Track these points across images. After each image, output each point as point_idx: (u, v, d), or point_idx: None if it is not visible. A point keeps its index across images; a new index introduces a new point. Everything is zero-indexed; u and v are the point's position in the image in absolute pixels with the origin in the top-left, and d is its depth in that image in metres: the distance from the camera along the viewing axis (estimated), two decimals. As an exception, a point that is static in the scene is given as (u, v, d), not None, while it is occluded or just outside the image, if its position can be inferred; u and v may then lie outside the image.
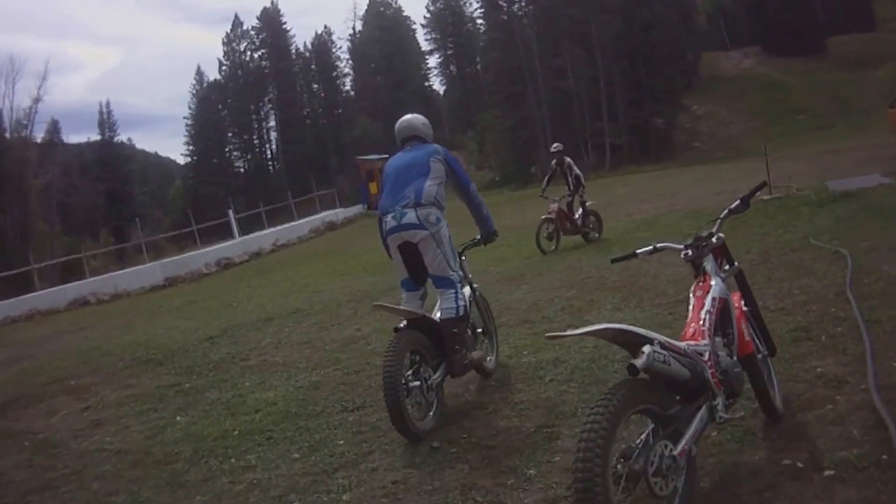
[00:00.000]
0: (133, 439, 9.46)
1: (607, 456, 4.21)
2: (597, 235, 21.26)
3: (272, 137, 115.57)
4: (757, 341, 6.18)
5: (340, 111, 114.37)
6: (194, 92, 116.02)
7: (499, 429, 7.55)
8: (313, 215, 53.68)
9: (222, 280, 31.96)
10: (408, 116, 9.22)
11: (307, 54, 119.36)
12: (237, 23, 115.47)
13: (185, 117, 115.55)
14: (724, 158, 59.85)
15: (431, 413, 7.77)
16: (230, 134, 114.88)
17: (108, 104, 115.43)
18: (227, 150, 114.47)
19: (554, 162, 22.03)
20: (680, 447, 4.63)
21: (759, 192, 6.35)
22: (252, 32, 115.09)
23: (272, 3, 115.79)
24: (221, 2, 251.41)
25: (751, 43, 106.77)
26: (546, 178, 23.09)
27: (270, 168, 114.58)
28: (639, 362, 4.47)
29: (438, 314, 8.44)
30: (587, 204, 21.68)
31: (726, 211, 6.15)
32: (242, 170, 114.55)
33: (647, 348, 4.53)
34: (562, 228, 20.75)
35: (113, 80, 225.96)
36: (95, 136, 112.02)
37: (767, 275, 12.14)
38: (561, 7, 77.35)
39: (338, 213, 53.84)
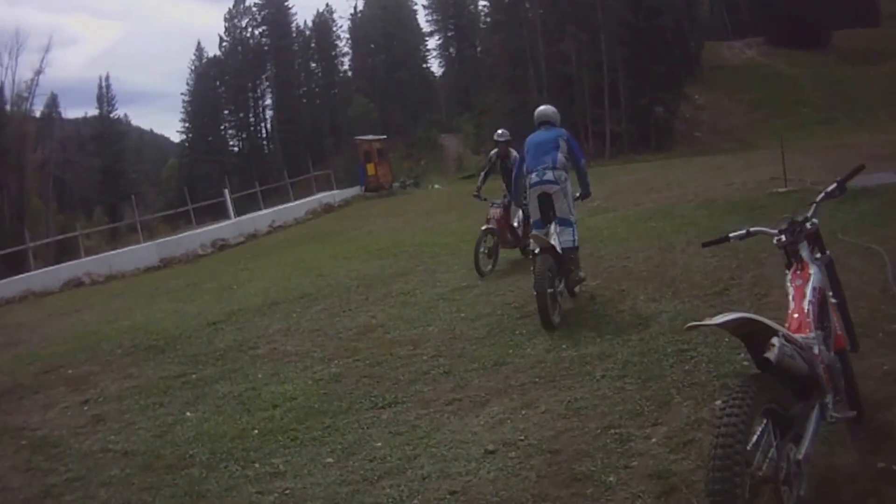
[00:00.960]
0: (140, 438, 8.88)
1: (745, 461, 3.93)
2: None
3: (268, 116, 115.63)
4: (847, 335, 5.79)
5: (337, 91, 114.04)
6: (193, 68, 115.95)
7: (557, 430, 7.21)
8: (309, 196, 53.21)
9: (219, 261, 31.45)
10: (543, 107, 13.00)
11: (307, 32, 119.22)
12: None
13: (182, 94, 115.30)
14: (726, 150, 59.40)
15: (557, 311, 11.09)
16: (226, 112, 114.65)
17: (107, 78, 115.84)
18: (222, 128, 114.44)
19: (494, 152, 17.57)
20: (804, 451, 4.40)
21: (831, 191, 5.77)
22: (254, 9, 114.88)
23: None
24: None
25: (753, 34, 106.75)
26: (482, 172, 18.12)
27: (265, 147, 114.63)
28: (772, 355, 4.15)
29: (558, 245, 11.60)
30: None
31: (823, 194, 5.71)
32: (237, 149, 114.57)
33: (776, 340, 4.19)
34: (502, 240, 16.58)
35: (113, 56, 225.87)
36: (94, 112, 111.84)
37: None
38: (568, -9, 76.83)
39: (334, 195, 52.96)
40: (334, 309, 14.60)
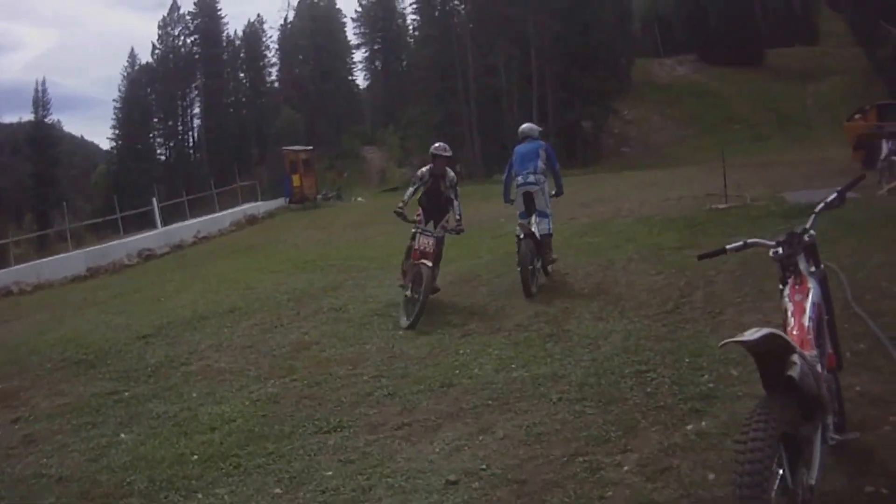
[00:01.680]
0: (74, 462, 8.53)
1: (772, 490, 3.87)
2: None
3: (195, 125, 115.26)
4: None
5: (264, 101, 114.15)
6: (125, 75, 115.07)
7: (520, 458, 7.08)
8: (235, 207, 53.39)
9: (145, 272, 31.25)
10: (526, 125, 16.83)
11: (237, 42, 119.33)
12: (174, 7, 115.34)
13: (114, 100, 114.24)
14: (654, 165, 59.49)
15: (535, 283, 14.24)
16: (156, 119, 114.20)
17: (43, 82, 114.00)
18: (151, 135, 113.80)
19: (427, 169, 15.12)
20: (815, 476, 4.34)
21: (830, 201, 5.76)
22: (188, 17, 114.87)
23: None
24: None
25: (686, 51, 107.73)
26: (411, 189, 15.40)
27: (192, 156, 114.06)
28: (795, 372, 4.12)
29: (537, 231, 14.67)
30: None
31: (822, 205, 5.67)
32: (164, 157, 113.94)
33: (797, 358, 4.17)
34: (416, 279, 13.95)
35: (49, 61, 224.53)
36: (29, 117, 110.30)
37: (758, 286, 11.56)
38: (498, 4, 77.84)
39: (259, 207, 53.41)
40: (265, 324, 14.45)
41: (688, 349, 9.23)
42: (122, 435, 9.18)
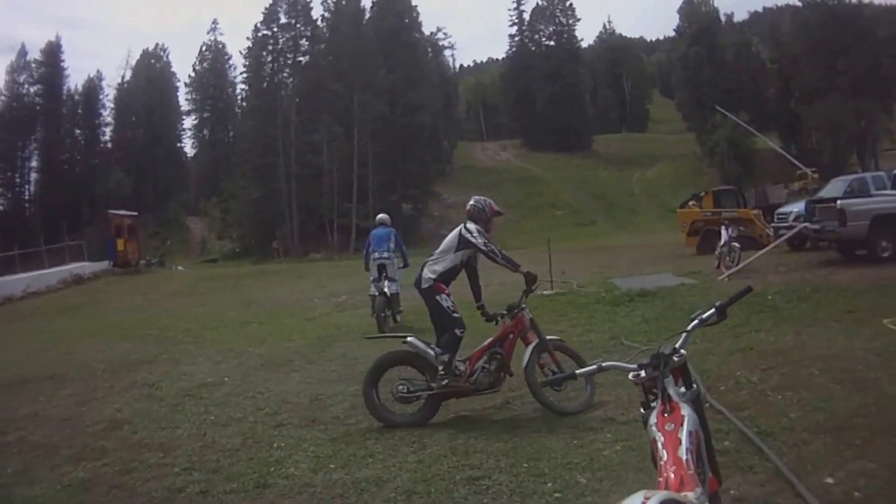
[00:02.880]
0: None
1: None
2: None
3: (33, 178, 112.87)
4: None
5: (97, 161, 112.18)
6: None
7: None
8: (62, 265, 53.58)
9: (-30, 325, 30.33)
10: (382, 215, 22.98)
11: (76, 97, 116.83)
12: (22, 51, 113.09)
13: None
14: (473, 249, 60.97)
15: (387, 327, 20.35)
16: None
17: None
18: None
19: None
20: None
21: (706, 317, 4.56)
22: (33, 65, 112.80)
23: (56, 37, 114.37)
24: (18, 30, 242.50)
25: (511, 136, 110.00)
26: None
27: (27, 210, 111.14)
28: None
29: (388, 291, 21.09)
30: None
31: (696, 321, 5.00)
32: (1, 207, 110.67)
33: None
34: None
35: None
36: None
37: (597, 380, 10.86)
38: (325, 81, 79.82)
39: (84, 267, 53.80)
40: (81, 395, 14.23)
41: (525, 451, 8.84)
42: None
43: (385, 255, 21.64)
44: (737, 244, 28.05)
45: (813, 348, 12.40)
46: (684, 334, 4.96)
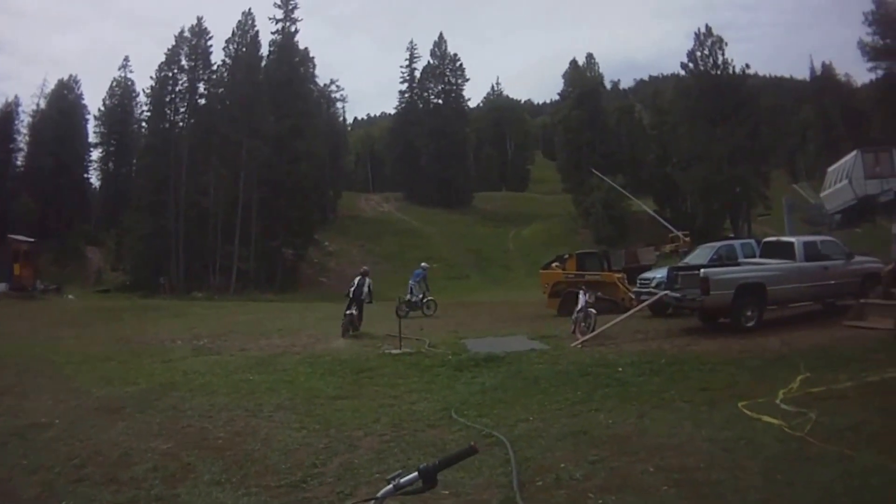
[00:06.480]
0: None
1: None
2: None
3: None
4: None
5: (9, 185, 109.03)
6: None
7: None
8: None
9: None
10: (365, 269, 32.36)
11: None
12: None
13: None
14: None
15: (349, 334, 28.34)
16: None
17: None
18: None
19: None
20: None
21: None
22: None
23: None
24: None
25: (394, 189, 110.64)
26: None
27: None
28: None
29: (355, 313, 29.05)
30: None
31: (391, 486, 4.10)
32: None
33: None
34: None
35: None
36: None
37: (402, 461, 10.59)
38: (218, 125, 79.61)
39: (-17, 289, 52.93)
40: None
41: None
42: None
43: (359, 292, 29.81)
44: (593, 310, 26.28)
45: (654, 436, 11.66)
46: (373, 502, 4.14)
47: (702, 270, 24.69)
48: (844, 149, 59.78)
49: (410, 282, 40.23)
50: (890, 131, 76.81)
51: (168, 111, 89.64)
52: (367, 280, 29.89)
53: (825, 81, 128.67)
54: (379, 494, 4.07)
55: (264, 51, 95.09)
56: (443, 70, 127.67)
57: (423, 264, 42.71)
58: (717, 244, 35.26)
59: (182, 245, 78.92)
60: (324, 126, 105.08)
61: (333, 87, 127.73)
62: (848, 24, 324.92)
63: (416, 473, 4.02)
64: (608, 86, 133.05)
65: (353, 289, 29.82)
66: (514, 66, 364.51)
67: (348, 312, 28.85)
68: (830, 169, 45.97)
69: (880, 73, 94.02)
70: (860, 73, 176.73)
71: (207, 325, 34.15)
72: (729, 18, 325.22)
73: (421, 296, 39.05)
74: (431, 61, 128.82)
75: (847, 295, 26.42)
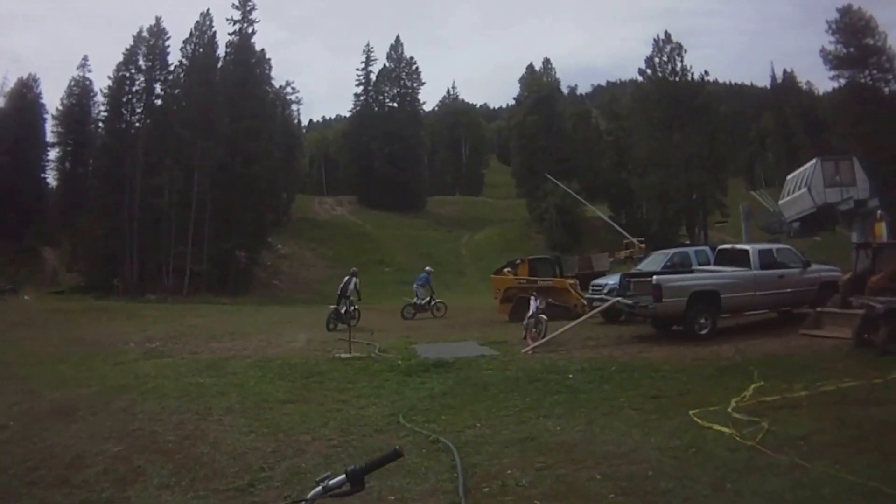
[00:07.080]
0: None
1: None
2: None
3: None
4: None
5: None
6: None
7: None
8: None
9: None
10: (353, 268, 36.85)
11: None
12: None
13: None
14: (301, 301, 61.75)
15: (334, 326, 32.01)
16: None
17: None
18: None
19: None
20: None
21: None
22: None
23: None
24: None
25: (349, 192, 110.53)
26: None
27: None
28: None
29: (342, 310, 33.02)
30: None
31: (320, 487, 4.11)
32: None
33: None
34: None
35: None
36: None
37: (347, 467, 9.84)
38: (173, 126, 78.84)
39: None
40: None
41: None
42: None
43: (346, 290, 34.01)
44: (544, 316, 26.33)
45: (602, 444, 11.61)
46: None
47: (654, 277, 24.65)
48: (804, 157, 60.47)
49: (415, 286, 42.95)
50: (851, 140, 77.66)
51: (125, 112, 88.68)
52: (354, 280, 34.78)
53: (786, 89, 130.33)
54: (308, 496, 4.08)
55: (221, 52, 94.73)
56: (399, 73, 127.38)
57: (426, 269, 46.11)
58: (671, 251, 35.22)
59: (136, 246, 78.31)
60: (279, 128, 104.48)
61: (289, 90, 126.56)
62: (811, 33, 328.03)
63: (343, 476, 4.06)
64: (565, 91, 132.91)
65: (341, 286, 34.72)
66: (471, 70, 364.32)
67: (334, 307, 33.85)
68: (789, 177, 46.38)
69: (843, 81, 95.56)
70: (822, 81, 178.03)
71: (160, 328, 34.00)
72: (690, 25, 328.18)
73: (428, 299, 41.62)
74: (387, 64, 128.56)
75: (804, 303, 26.29)
